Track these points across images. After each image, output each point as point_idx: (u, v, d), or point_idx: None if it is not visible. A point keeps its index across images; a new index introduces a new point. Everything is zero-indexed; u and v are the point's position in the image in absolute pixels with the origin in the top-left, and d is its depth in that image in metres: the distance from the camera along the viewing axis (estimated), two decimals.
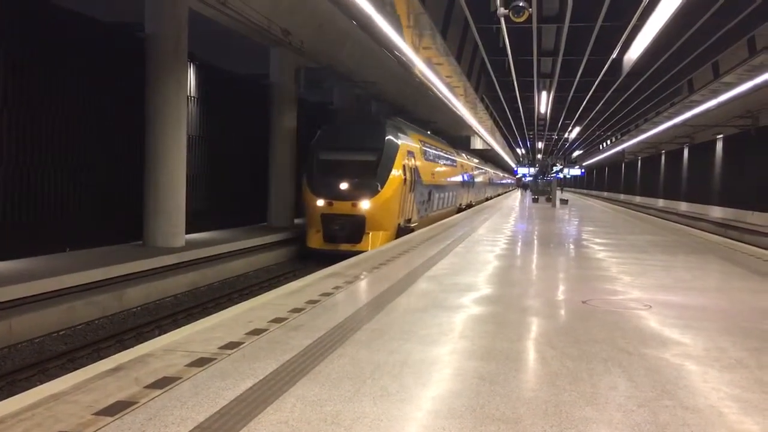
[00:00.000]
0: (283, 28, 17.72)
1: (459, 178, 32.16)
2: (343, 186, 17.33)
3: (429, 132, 30.79)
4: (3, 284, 9.78)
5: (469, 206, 35.96)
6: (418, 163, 20.73)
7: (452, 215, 27.20)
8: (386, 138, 18.26)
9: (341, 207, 17.28)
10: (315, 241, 17.67)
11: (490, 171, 55.51)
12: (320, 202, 17.40)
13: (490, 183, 55.80)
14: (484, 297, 7.47)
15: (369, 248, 15.94)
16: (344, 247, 16.84)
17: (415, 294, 7.51)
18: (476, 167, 41.87)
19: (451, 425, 3.53)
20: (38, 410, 3.58)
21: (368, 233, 17.27)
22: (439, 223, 21.47)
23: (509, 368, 4.61)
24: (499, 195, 66.88)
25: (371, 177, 17.45)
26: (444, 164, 27.47)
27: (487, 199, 49.45)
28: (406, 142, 19.50)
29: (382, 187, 17.43)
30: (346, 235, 17.13)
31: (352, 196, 17.27)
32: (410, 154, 19.68)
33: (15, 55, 12.46)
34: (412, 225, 19.87)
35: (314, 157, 18.24)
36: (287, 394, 3.93)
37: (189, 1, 15.47)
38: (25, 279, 10.25)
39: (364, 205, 17.17)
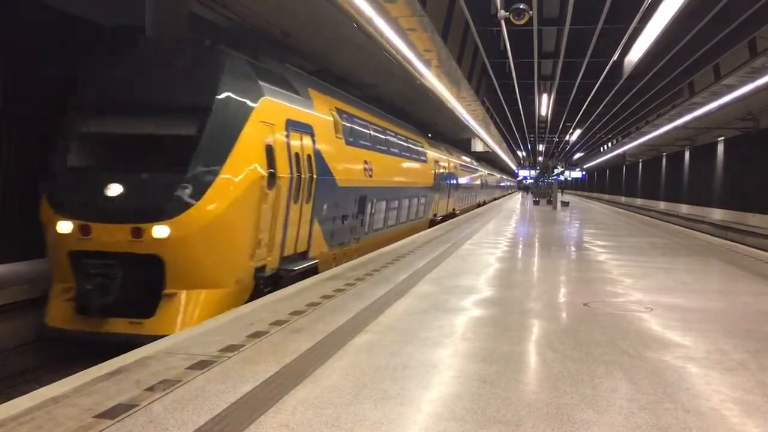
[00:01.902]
0: (282, 30, 17.73)
1: (430, 178, 22.93)
2: (115, 192, 8.15)
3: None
4: None
5: (451, 215, 27.85)
6: (325, 147, 11.42)
7: (420, 230, 19.24)
8: (222, 90, 8.74)
9: (109, 236, 8.01)
10: (57, 312, 8.18)
11: (484, 171, 47.24)
12: (66, 227, 8.09)
13: (485, 185, 47.65)
14: (485, 299, 7.46)
15: (176, 328, 7.56)
16: (117, 326, 7.88)
17: (416, 296, 7.50)
18: (464, 165, 33.59)
19: (452, 428, 3.52)
20: (38, 413, 3.58)
21: (173, 295, 7.94)
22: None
23: (510, 371, 4.60)
24: (496, 199, 59.31)
25: (178, 172, 8.15)
26: (397, 155, 17.78)
27: (479, 205, 42.47)
28: (280, 102, 9.94)
29: (200, 195, 8.05)
30: (119, 297, 7.86)
31: (132, 214, 7.96)
32: (297, 127, 10.29)
33: (13, 58, 12.46)
34: (308, 263, 10.52)
35: (66, 130, 8.99)
36: (288, 397, 3.92)
37: (190, 4, 15.49)
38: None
39: (160, 232, 7.87)
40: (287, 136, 9.90)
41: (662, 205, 51.34)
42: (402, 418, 3.66)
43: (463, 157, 35.01)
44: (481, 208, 37.18)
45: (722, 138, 36.64)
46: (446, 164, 26.97)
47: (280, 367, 4.55)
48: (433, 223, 23.51)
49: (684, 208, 44.44)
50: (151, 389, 4.00)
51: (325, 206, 11.48)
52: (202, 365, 4.53)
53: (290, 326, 5.81)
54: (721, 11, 14.41)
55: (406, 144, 19.52)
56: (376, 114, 17.53)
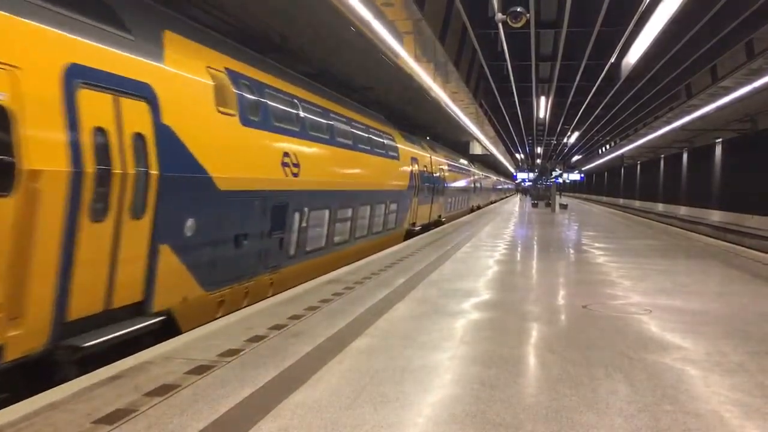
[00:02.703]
0: (281, 34, 17.77)
1: (405, 179, 18.59)
2: None
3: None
4: None
5: (437, 224, 23.76)
6: (189, 125, 7.18)
7: (391, 244, 15.10)
8: None
9: None
10: None
11: (479, 172, 43.83)
12: None
13: (479, 188, 43.55)
14: (484, 302, 7.46)
15: None
16: None
17: (415, 300, 7.49)
18: (453, 165, 29.30)
19: (452, 431, 3.52)
20: (37, 419, 3.57)
21: None
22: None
23: (510, 373, 4.60)
24: (492, 203, 56.10)
25: None
26: (350, 147, 13.24)
27: (473, 210, 38.56)
28: (46, 30, 5.29)
29: None
30: None
31: None
32: (108, 84, 5.86)
33: None
34: (144, 323, 6.14)
35: None
36: (287, 401, 3.92)
37: (190, 9, 15.51)
38: None
39: None
40: (69, 96, 5.42)
41: (660, 207, 51.41)
42: (401, 421, 3.66)
43: (452, 156, 30.92)
44: (476, 213, 35.11)
45: (720, 139, 36.73)
46: (428, 163, 22.90)
47: (279, 371, 4.55)
48: (410, 234, 18.81)
49: (682, 210, 44.51)
50: (150, 394, 3.99)
51: (188, 222, 7.00)
52: (201, 370, 4.52)
53: (289, 330, 5.80)
54: (718, 13, 14.46)
55: (366, 135, 14.89)
56: (313, 89, 12.24)
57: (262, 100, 9.13)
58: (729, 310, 7.23)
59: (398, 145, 18.28)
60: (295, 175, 9.88)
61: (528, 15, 11.48)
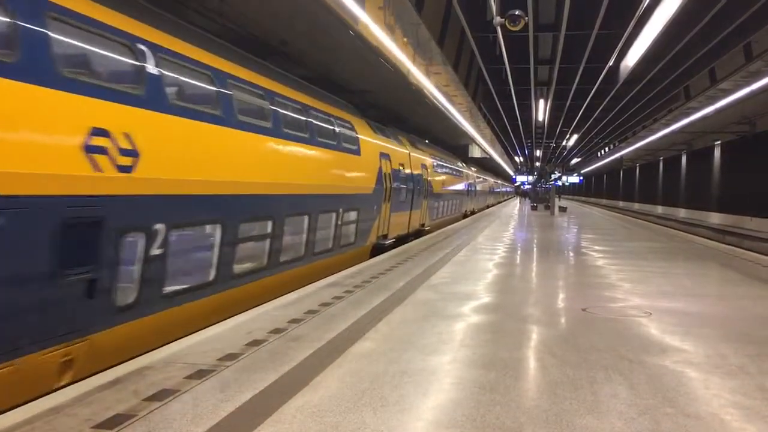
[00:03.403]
0: (281, 39, 17.79)
1: (370, 180, 14.54)
2: None
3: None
4: None
5: (419, 233, 20.26)
6: None
7: (337, 270, 10.70)
8: None
9: None
10: None
11: (474, 174, 40.17)
12: None
13: (474, 191, 39.85)
14: (483, 305, 7.45)
15: None
16: None
17: (414, 303, 7.49)
18: (441, 165, 25.61)
19: None
20: (37, 423, 3.57)
21: None
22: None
23: (510, 377, 4.59)
24: (489, 206, 52.70)
25: None
26: (261, 131, 8.79)
27: (466, 215, 35.05)
28: None
29: None
30: None
31: None
32: None
33: None
34: None
35: None
36: (287, 406, 3.91)
37: (189, 14, 15.54)
38: None
39: None
40: None
41: (660, 210, 51.45)
42: (401, 425, 3.66)
43: (440, 155, 27.07)
44: (473, 217, 32.89)
45: (719, 142, 36.79)
46: (405, 161, 18.51)
47: (279, 375, 4.54)
48: (379, 250, 15.00)
49: (682, 213, 44.53)
50: (149, 399, 3.99)
51: None
52: (200, 374, 4.51)
53: (289, 334, 5.80)
54: (716, 16, 14.50)
55: (303, 118, 10.74)
56: (190, 37, 7.63)
57: (30, 27, 4.89)
58: (729, 313, 7.23)
59: (359, 136, 14.04)
60: (125, 168, 5.74)
61: (526, 18, 11.53)
